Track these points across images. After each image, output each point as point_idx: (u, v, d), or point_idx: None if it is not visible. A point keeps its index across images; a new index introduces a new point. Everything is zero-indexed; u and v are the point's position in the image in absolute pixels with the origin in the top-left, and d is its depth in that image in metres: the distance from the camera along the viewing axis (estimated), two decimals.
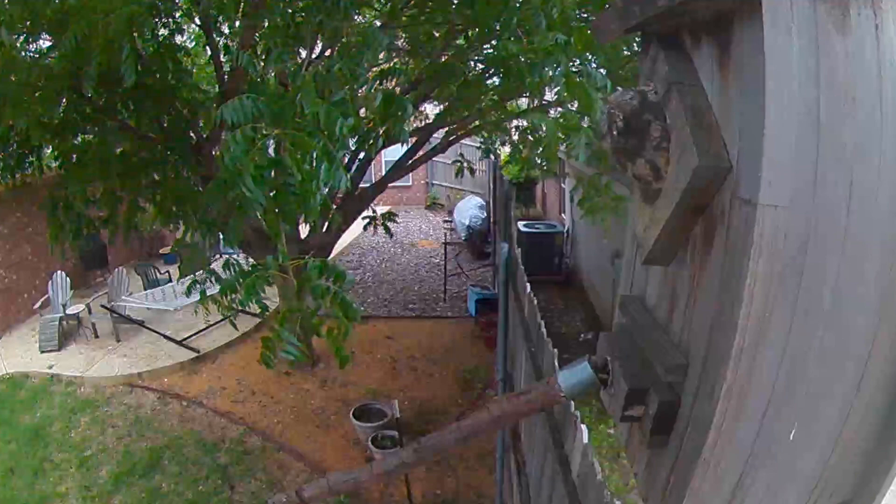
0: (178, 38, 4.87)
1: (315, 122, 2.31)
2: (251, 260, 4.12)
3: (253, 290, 2.47)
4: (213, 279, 3.49)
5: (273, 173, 2.30)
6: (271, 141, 2.36)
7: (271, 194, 2.31)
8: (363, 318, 2.90)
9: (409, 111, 2.79)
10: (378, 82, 3.26)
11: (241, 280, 2.52)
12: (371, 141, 4.23)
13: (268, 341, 2.45)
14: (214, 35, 4.80)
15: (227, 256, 4.65)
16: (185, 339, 7.70)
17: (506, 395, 1.42)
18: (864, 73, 0.59)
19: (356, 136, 4.15)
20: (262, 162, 2.18)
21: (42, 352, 7.57)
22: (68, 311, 7.89)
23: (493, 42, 4.23)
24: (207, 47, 5.29)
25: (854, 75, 0.59)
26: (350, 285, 2.59)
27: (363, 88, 3.15)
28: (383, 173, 7.86)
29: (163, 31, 4.32)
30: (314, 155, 2.23)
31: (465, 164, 6.98)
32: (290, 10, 3.45)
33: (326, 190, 2.38)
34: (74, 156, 4.43)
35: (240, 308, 2.67)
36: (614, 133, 0.80)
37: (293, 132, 2.23)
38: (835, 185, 0.61)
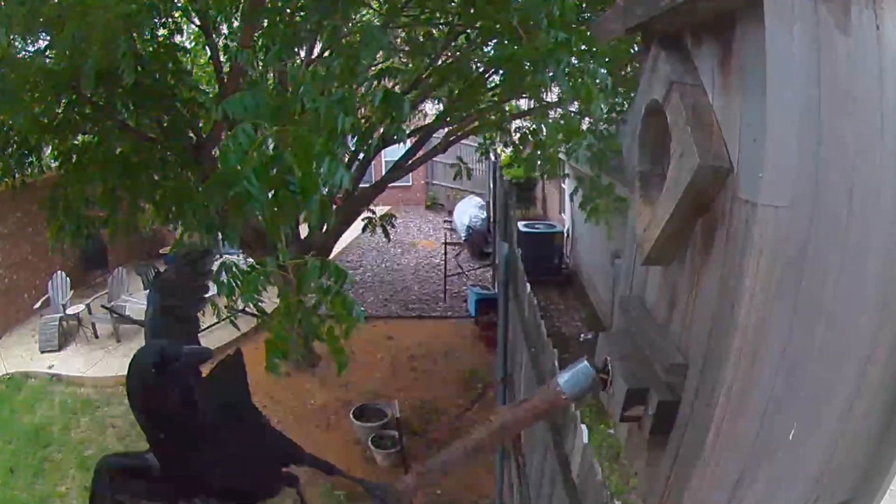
0: (178, 39, 4.87)
1: (316, 118, 2.27)
2: (250, 260, 4.10)
3: (254, 287, 2.43)
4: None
5: (274, 171, 2.26)
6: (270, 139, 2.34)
7: (271, 193, 2.28)
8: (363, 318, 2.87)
9: (406, 109, 2.76)
10: (377, 81, 3.24)
11: (239, 280, 2.48)
12: (369, 141, 4.21)
13: (271, 344, 2.38)
14: (214, 35, 4.80)
15: (226, 257, 4.65)
16: None
17: (508, 406, 1.40)
18: (865, 73, 0.59)
19: (355, 136, 4.13)
20: (263, 159, 2.15)
21: (42, 352, 7.56)
22: (68, 312, 7.88)
23: (493, 42, 4.22)
24: (207, 47, 5.29)
25: (855, 75, 0.59)
26: (351, 285, 2.55)
27: (363, 87, 3.14)
28: (383, 173, 7.85)
29: (162, 32, 4.32)
30: (315, 152, 2.20)
31: (464, 167, 6.97)
32: (287, 10, 3.43)
33: (326, 190, 2.34)
34: (74, 156, 4.43)
35: (239, 309, 2.63)
36: None
37: (294, 129, 2.21)
38: (835, 186, 0.61)
